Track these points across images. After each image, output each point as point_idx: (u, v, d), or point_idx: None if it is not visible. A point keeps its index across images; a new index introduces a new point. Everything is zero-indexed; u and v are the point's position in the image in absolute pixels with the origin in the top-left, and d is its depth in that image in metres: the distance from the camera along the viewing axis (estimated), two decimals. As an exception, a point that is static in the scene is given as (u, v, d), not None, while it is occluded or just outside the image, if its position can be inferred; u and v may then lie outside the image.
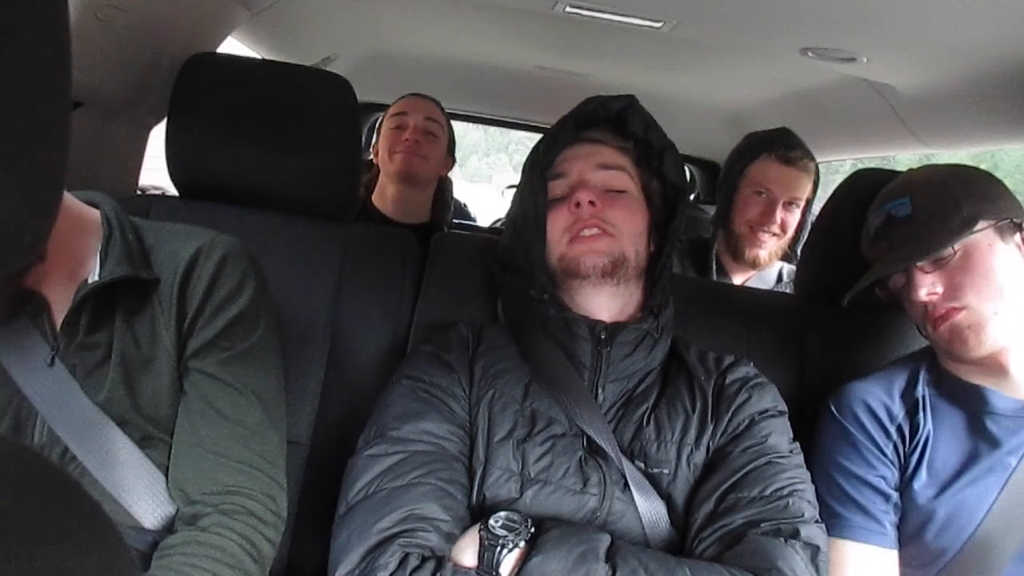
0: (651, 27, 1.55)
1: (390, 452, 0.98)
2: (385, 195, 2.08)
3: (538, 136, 1.23)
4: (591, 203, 1.10)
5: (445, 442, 1.01)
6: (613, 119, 1.19)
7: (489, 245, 1.37)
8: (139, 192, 1.69)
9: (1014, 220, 1.12)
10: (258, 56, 2.06)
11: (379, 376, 1.25)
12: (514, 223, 1.20)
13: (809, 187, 1.88)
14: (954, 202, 1.12)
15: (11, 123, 0.32)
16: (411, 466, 0.96)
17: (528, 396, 1.07)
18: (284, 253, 1.31)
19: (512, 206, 1.26)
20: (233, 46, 1.82)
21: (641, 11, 1.50)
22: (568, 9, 1.54)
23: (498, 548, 0.88)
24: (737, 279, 1.97)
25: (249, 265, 1.08)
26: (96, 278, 0.97)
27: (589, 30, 1.66)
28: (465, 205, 3.30)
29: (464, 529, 0.95)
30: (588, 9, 1.52)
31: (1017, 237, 1.11)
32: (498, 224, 3.29)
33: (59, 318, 0.97)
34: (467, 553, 0.90)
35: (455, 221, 2.71)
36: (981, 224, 1.10)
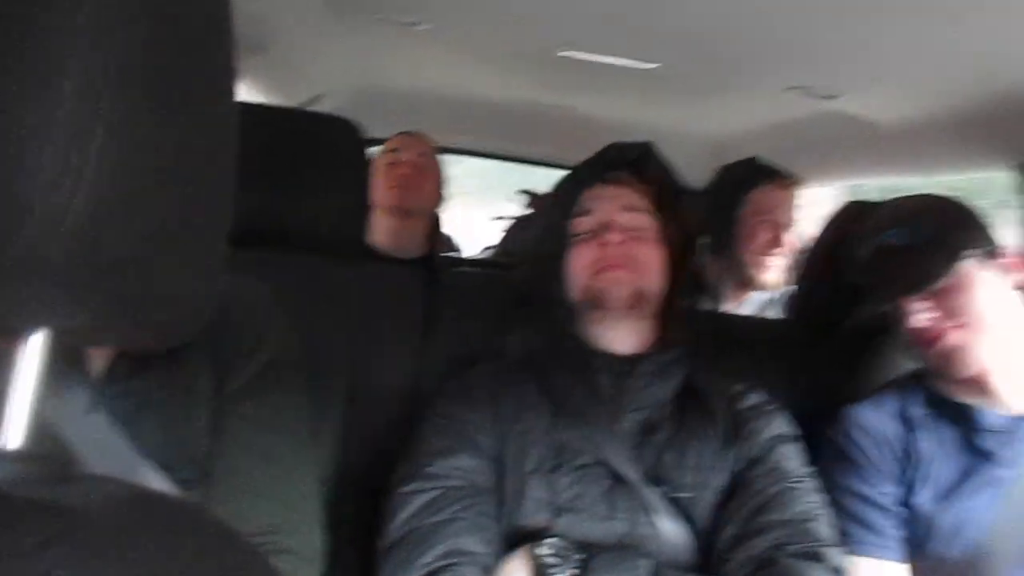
0: (644, 68, 1.62)
1: (426, 488, 1.02)
2: (380, 230, 2.12)
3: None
4: (619, 243, 1.16)
5: (477, 476, 1.06)
6: (632, 163, 1.25)
7: (495, 280, 1.41)
8: None
9: (994, 248, 1.20)
10: (247, 98, 2.09)
11: (397, 411, 1.29)
12: (534, 259, 1.25)
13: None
14: (943, 233, 1.19)
15: (202, 216, 0.37)
16: (448, 502, 1.01)
17: (553, 428, 1.11)
18: (298, 295, 1.33)
19: (530, 244, 1.31)
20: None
21: (634, 53, 1.56)
22: (562, 53, 1.60)
23: None
24: (735, 304, 2.03)
25: (274, 309, 1.11)
26: None
27: (583, 68, 1.72)
28: (450, 237, 3.34)
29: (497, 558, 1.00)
30: (584, 52, 1.58)
31: (996, 264, 1.19)
32: (490, 254, 3.33)
33: (99, 365, 1.00)
34: None
35: (441, 255, 2.75)
36: (967, 254, 1.17)
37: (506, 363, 1.23)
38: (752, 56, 1.48)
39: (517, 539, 1.02)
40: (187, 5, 0.33)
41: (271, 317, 1.09)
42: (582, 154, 1.35)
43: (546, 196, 2.27)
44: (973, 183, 2.03)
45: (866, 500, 1.19)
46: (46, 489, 0.34)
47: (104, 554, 0.31)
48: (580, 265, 1.19)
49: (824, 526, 1.04)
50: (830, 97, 1.64)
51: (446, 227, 3.21)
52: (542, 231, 1.25)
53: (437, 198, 2.22)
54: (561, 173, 1.39)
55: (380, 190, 2.10)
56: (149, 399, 1.00)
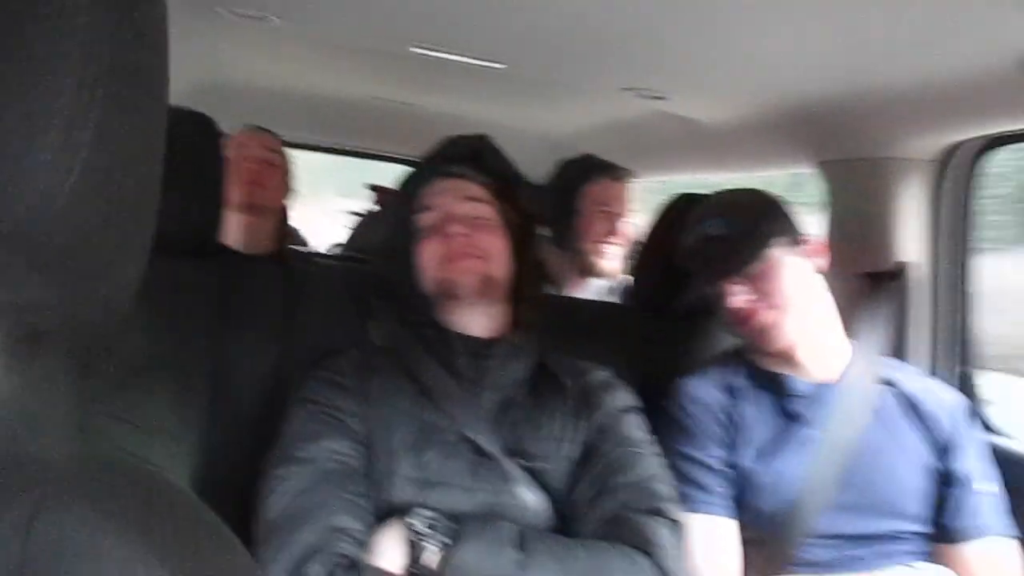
0: (491, 67, 1.70)
1: (300, 471, 1.05)
2: (229, 227, 2.08)
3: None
4: (463, 234, 1.22)
5: (349, 458, 1.10)
6: (470, 156, 1.32)
7: (353, 274, 1.45)
8: None
9: (799, 236, 1.37)
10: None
11: (261, 403, 1.30)
12: (386, 254, 1.30)
13: None
14: (755, 222, 1.34)
15: (145, 205, 0.40)
16: (321, 483, 1.04)
17: (418, 409, 1.17)
18: (158, 293, 1.32)
19: (378, 241, 1.35)
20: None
21: (482, 53, 1.63)
22: (413, 49, 1.65)
23: (427, 547, 0.98)
24: (577, 291, 2.15)
25: (137, 307, 1.09)
26: None
27: (433, 66, 1.77)
28: (297, 230, 3.30)
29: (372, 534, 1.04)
30: (433, 50, 1.64)
31: (800, 249, 1.36)
32: (337, 249, 3.31)
33: None
34: (391, 552, 1.00)
35: (290, 248, 2.72)
36: (776, 240, 1.33)
37: (370, 349, 1.27)
38: (590, 59, 1.59)
39: (388, 515, 1.07)
40: (148, 8, 0.37)
41: (132, 316, 1.07)
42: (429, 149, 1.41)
43: (391, 191, 2.31)
44: (758, 180, 2.28)
45: (697, 462, 1.32)
46: (10, 444, 0.36)
47: (83, 497, 0.34)
48: (428, 258, 1.25)
49: (664, 486, 1.16)
50: (659, 98, 1.78)
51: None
52: (390, 228, 1.31)
53: (285, 192, 2.21)
54: (405, 168, 1.44)
55: (228, 187, 2.06)
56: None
